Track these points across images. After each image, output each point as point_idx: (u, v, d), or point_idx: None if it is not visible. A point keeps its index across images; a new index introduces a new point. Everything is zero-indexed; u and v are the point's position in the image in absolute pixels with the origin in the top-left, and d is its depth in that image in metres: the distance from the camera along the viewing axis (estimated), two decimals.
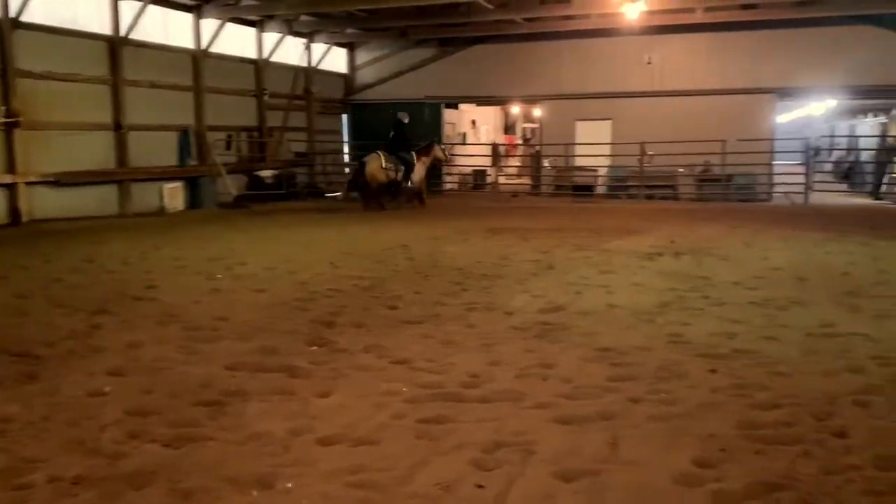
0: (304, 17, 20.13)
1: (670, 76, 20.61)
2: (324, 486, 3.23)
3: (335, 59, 23.33)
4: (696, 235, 11.74)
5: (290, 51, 21.07)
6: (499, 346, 5.43)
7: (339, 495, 3.17)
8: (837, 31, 19.08)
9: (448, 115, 23.92)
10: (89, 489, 3.23)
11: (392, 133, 16.78)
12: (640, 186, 19.40)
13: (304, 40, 21.47)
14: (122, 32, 15.53)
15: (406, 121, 16.88)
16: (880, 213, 15.93)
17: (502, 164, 25.04)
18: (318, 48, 22.28)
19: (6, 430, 3.90)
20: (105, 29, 15.33)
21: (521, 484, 3.24)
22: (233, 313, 6.53)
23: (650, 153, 18.56)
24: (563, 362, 5.05)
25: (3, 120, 13.28)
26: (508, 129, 31.08)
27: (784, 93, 20.44)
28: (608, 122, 21.02)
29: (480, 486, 3.21)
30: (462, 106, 25.11)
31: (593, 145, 20.21)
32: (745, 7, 18.28)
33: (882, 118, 24.31)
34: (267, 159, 20.03)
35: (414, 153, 16.76)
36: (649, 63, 20.65)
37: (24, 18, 13.55)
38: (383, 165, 16.06)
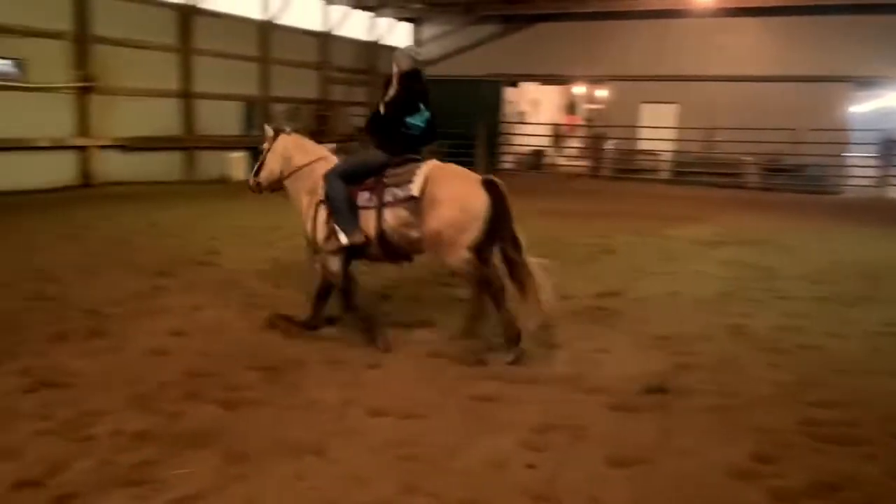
0: None
1: (740, 61, 19.90)
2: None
3: (401, 35, 23.31)
4: (762, 226, 11.37)
5: (355, 25, 21.17)
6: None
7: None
8: None
9: (508, 93, 23.70)
10: (149, 444, 3.35)
11: None
12: (704, 173, 18.88)
13: (370, 14, 21.53)
14: (194, 1, 15.84)
15: None
16: None
17: (562, 144, 24.71)
18: (384, 23, 22.33)
19: (73, 384, 4.07)
20: None
21: (571, 465, 3.25)
22: (290, 282, 6.62)
23: (717, 139, 18.02)
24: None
25: (79, 84, 13.74)
26: (571, 109, 30.57)
27: (860, 82, 19.49)
28: (674, 106, 20.51)
29: None
30: (524, 84, 24.80)
31: (658, 129, 19.80)
32: None
33: None
34: (328, 132, 20.21)
35: None
36: (720, 47, 19.99)
37: None
38: None
